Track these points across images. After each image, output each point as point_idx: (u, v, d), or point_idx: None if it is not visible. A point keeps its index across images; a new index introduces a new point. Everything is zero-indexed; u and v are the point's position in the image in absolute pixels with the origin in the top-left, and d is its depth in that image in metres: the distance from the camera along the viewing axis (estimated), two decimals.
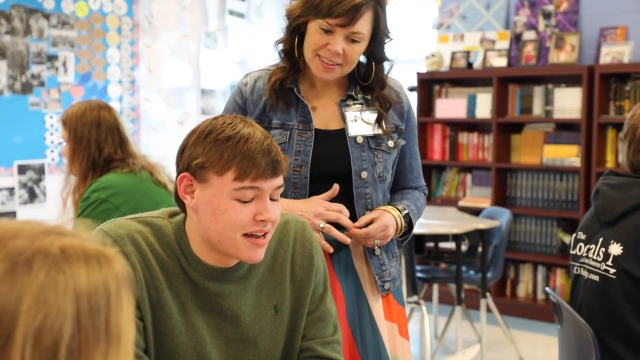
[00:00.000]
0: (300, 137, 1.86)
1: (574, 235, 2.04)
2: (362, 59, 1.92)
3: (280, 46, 1.90)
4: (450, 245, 4.62)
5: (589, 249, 1.95)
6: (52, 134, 4.76)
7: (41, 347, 0.60)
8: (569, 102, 4.94)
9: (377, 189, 1.89)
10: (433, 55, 5.46)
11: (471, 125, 5.45)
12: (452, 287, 4.56)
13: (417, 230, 3.84)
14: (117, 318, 0.65)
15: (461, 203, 5.26)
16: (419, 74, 5.49)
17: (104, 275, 0.65)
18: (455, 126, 5.46)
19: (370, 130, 1.89)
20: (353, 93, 1.91)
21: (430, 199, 5.49)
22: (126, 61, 5.19)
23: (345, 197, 1.85)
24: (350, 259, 1.91)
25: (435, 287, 4.69)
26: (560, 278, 5.05)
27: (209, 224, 1.32)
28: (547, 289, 2.21)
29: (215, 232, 1.32)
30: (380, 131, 1.90)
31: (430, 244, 4.51)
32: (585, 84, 4.79)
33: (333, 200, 1.84)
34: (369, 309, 1.91)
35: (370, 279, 1.92)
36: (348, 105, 1.90)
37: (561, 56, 5.05)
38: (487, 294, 4.09)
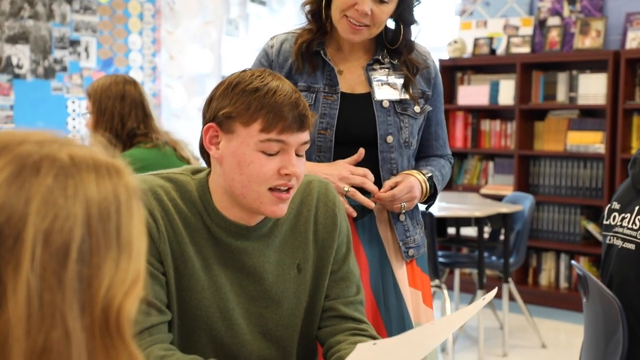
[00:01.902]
0: (326, 99, 1.84)
1: (608, 205, 2.01)
2: (390, 23, 1.90)
3: (307, 7, 1.88)
4: (472, 232, 4.59)
5: (623, 218, 1.92)
6: (74, 119, 4.78)
7: (52, 248, 0.59)
8: (593, 88, 4.88)
9: (402, 155, 1.88)
10: (455, 42, 5.42)
11: (493, 112, 5.40)
12: (474, 273, 4.53)
13: (438, 213, 3.82)
14: (128, 226, 0.64)
15: (483, 191, 5.22)
16: (441, 61, 5.45)
17: (114, 184, 0.65)
18: (477, 113, 5.41)
19: (396, 95, 1.87)
20: (380, 57, 1.89)
21: (452, 187, 5.45)
22: (148, 47, 5.20)
23: (371, 162, 1.84)
24: (375, 225, 1.89)
25: (457, 274, 4.66)
26: (583, 266, 4.99)
27: (233, 176, 1.31)
28: (573, 262, 2.18)
29: (239, 184, 1.31)
30: (406, 96, 1.88)
31: (452, 230, 4.48)
32: (611, 69, 4.73)
33: (357, 165, 1.82)
34: (393, 275, 1.89)
35: (395, 245, 1.90)
36: (374, 70, 1.89)
37: (586, 42, 4.99)
38: (509, 279, 4.05)
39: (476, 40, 5.43)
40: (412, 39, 1.91)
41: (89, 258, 0.61)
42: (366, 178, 1.79)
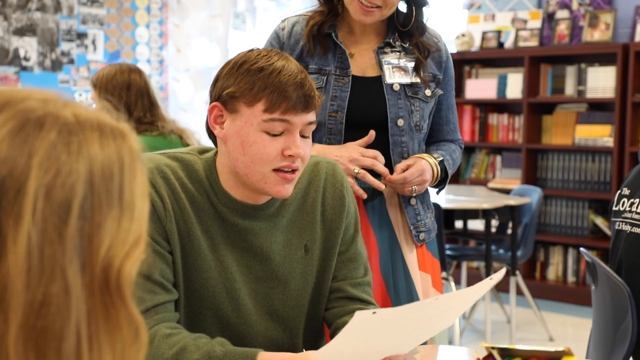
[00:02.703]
0: (337, 82, 1.84)
1: (618, 192, 1.99)
2: (402, 6, 1.90)
3: None
4: (479, 225, 4.57)
5: (632, 203, 1.90)
6: None
7: (53, 203, 0.59)
8: (602, 82, 4.85)
9: (413, 138, 1.87)
10: (463, 35, 5.40)
11: (501, 106, 5.38)
12: (481, 267, 4.51)
13: (446, 205, 3.80)
14: (131, 188, 0.64)
15: (491, 185, 5.20)
16: None
17: (118, 145, 0.64)
18: (485, 107, 5.39)
19: (407, 79, 1.87)
20: (391, 40, 1.89)
21: (459, 181, 5.43)
22: (155, 40, 5.20)
23: (382, 145, 1.83)
24: (385, 208, 1.88)
25: (464, 269, 4.65)
26: None
27: (237, 156, 1.31)
28: (581, 249, 2.16)
29: (242, 164, 1.30)
30: (417, 79, 1.87)
31: (460, 223, 4.47)
32: (620, 62, 4.70)
33: (368, 148, 1.82)
34: (403, 258, 1.89)
35: (405, 228, 1.89)
36: (385, 53, 1.88)
37: (595, 35, 4.96)
38: (517, 272, 4.04)
39: (484, 33, 5.41)
40: (424, 21, 1.90)
41: (90, 216, 0.61)
42: (376, 160, 1.78)
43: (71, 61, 4.74)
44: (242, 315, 1.37)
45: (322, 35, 1.86)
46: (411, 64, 1.88)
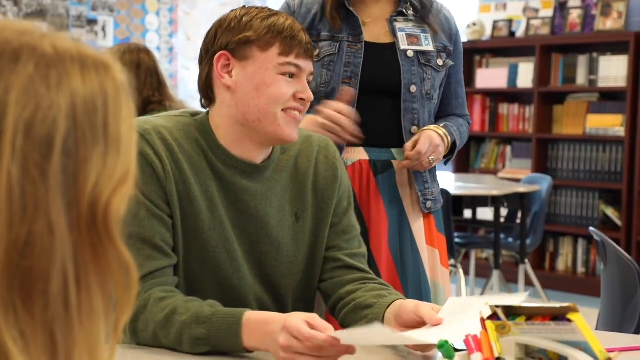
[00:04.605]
0: (349, 48, 1.85)
1: None
2: None
3: None
4: (488, 214, 4.55)
5: None
6: None
7: (34, 139, 0.57)
8: (614, 71, 4.82)
9: (424, 106, 1.88)
10: (474, 25, 5.37)
11: (512, 95, 5.35)
12: (490, 256, 4.49)
13: (455, 192, 3.78)
14: (117, 121, 0.61)
15: (500, 175, 5.17)
16: None
17: (101, 78, 0.61)
18: (495, 97, 5.36)
19: (420, 46, 1.89)
20: (404, 9, 1.91)
21: (469, 171, 5.41)
22: (165, 28, 5.20)
23: (394, 111, 1.85)
24: (395, 182, 1.89)
25: (473, 259, 4.63)
26: None
27: (249, 101, 1.32)
28: (591, 228, 2.15)
29: (255, 108, 1.32)
30: (430, 48, 1.89)
31: (469, 213, 4.45)
32: (632, 51, 4.66)
33: (380, 115, 1.85)
34: (411, 232, 1.89)
35: (413, 197, 1.90)
36: (398, 21, 1.90)
37: (607, 23, 4.92)
38: (526, 260, 4.02)
39: (495, 22, 5.38)
40: None
41: (74, 151, 0.59)
42: (341, 115, 1.74)
43: None
44: (242, 277, 1.37)
45: (335, 4, 1.87)
46: (424, 33, 1.90)
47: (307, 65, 1.35)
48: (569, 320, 0.88)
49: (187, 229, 1.33)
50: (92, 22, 4.79)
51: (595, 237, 2.05)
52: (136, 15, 5.04)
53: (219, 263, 1.35)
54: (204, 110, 1.41)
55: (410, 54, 1.86)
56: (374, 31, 1.89)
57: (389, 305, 1.31)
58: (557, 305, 0.90)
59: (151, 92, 2.59)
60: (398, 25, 1.89)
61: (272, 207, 1.39)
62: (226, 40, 1.32)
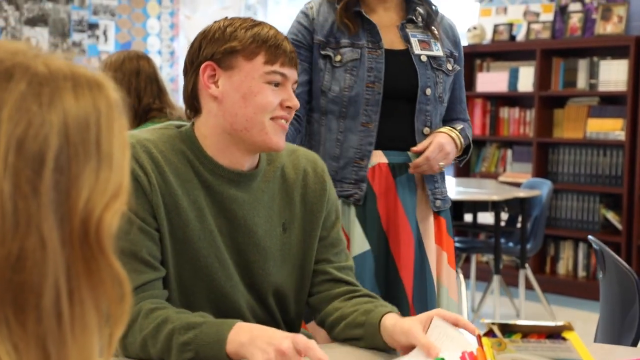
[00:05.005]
0: (370, 54, 1.93)
1: None
2: None
3: None
4: (488, 219, 4.56)
5: None
6: None
7: (26, 155, 0.58)
8: (614, 75, 4.82)
9: (436, 108, 1.96)
10: (475, 28, 5.38)
11: (512, 99, 5.35)
12: (490, 260, 4.49)
13: (455, 197, 3.79)
14: (109, 138, 0.62)
15: (501, 178, 5.17)
16: None
17: (94, 95, 0.62)
18: (496, 100, 5.37)
19: (432, 51, 1.97)
20: (413, 17, 1.99)
21: (469, 175, 5.41)
22: (166, 32, 5.21)
23: (409, 115, 1.93)
24: (413, 181, 1.96)
25: (473, 262, 4.63)
26: None
27: (236, 111, 1.34)
28: (589, 237, 2.15)
29: (243, 117, 1.34)
30: (440, 53, 1.97)
31: (469, 217, 4.45)
32: (633, 55, 4.66)
33: (396, 119, 1.92)
34: (419, 230, 1.96)
35: (424, 197, 1.97)
36: (409, 28, 1.98)
37: (608, 27, 4.92)
38: (526, 265, 4.02)
39: (496, 26, 5.38)
40: None
41: (67, 168, 0.59)
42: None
43: (82, 52, 4.75)
44: (234, 285, 1.37)
45: (350, 13, 1.94)
46: (433, 39, 1.98)
47: (292, 74, 1.37)
48: (564, 339, 0.89)
49: (177, 240, 1.33)
50: (93, 26, 4.80)
51: (594, 246, 2.05)
52: (137, 19, 5.04)
53: (211, 272, 1.35)
54: (188, 123, 1.42)
55: (423, 58, 1.94)
56: (388, 38, 1.96)
57: (380, 320, 1.31)
58: (553, 323, 0.91)
59: (151, 99, 2.59)
60: (409, 31, 1.97)
61: (259, 217, 1.40)
62: (211, 51, 1.33)
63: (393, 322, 1.29)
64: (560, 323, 0.91)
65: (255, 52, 1.33)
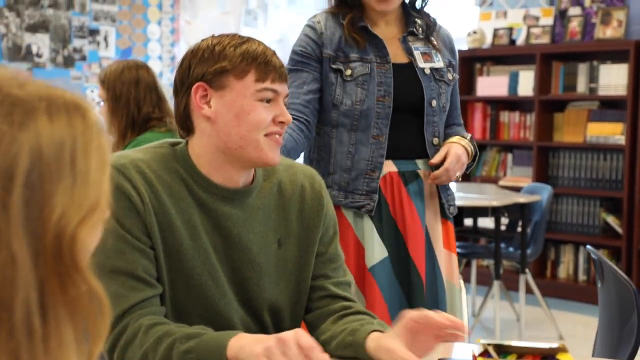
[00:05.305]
0: (379, 69, 1.97)
1: None
2: None
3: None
4: (489, 224, 4.56)
5: None
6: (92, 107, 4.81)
7: None
8: (614, 79, 4.82)
9: (442, 119, 2.03)
10: (475, 33, 5.38)
11: (513, 103, 5.36)
12: (491, 265, 4.50)
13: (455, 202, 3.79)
14: (85, 157, 0.63)
15: (501, 183, 5.18)
16: (460, 52, 5.39)
17: (70, 117, 0.63)
18: (496, 104, 5.37)
19: (434, 63, 2.01)
20: (414, 29, 2.03)
21: (470, 179, 5.42)
22: (166, 37, 5.22)
23: (416, 125, 1.99)
24: (423, 188, 2.01)
25: (474, 267, 4.63)
26: None
27: (230, 130, 1.34)
28: (588, 247, 2.16)
29: (237, 136, 1.34)
30: (441, 64, 2.02)
31: (469, 221, 4.46)
32: (632, 60, 4.67)
33: (404, 130, 1.97)
34: (429, 235, 2.01)
35: (435, 204, 2.03)
36: (410, 41, 2.03)
37: (607, 32, 4.93)
38: (527, 270, 4.02)
39: (496, 30, 5.39)
40: None
41: (38, 185, 0.60)
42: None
43: (83, 58, 4.77)
44: (228, 302, 1.38)
45: (357, 28, 1.98)
46: (433, 51, 2.03)
47: (283, 89, 1.37)
48: None
49: (171, 258, 1.33)
50: (94, 32, 4.81)
51: (593, 255, 2.06)
52: (138, 25, 5.05)
53: (204, 290, 1.36)
54: (183, 140, 1.42)
55: (427, 71, 1.99)
56: (392, 51, 2.00)
57: (365, 339, 1.31)
58: (547, 345, 0.92)
59: (151, 108, 2.59)
60: (412, 44, 2.01)
61: (254, 233, 1.40)
62: (202, 71, 1.33)
63: (376, 343, 1.29)
64: (555, 345, 0.92)
65: (245, 70, 1.33)
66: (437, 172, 1.95)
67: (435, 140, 2.01)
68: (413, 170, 2.00)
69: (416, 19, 2.03)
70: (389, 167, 1.99)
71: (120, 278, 1.27)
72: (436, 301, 2.01)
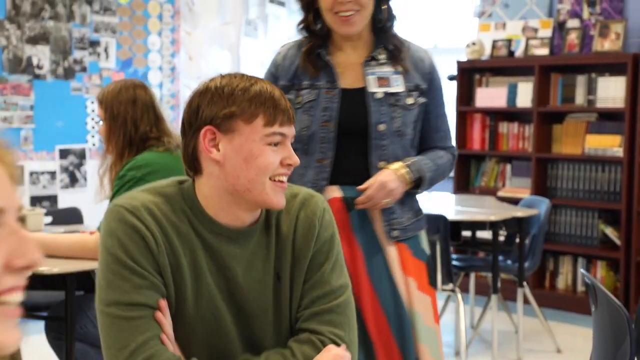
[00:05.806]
0: (326, 95, 2.02)
1: None
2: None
3: (300, 26, 2.09)
4: (488, 235, 4.58)
5: None
6: (93, 119, 4.83)
7: None
8: (612, 91, 4.84)
9: (394, 142, 2.03)
10: (474, 44, 5.40)
11: (511, 114, 5.37)
12: (489, 277, 4.51)
13: (453, 217, 3.81)
14: None
15: (500, 193, 5.19)
16: (459, 63, 5.43)
17: None
18: (495, 116, 5.39)
19: (388, 88, 2.03)
20: (375, 54, 2.06)
21: (469, 189, 5.43)
22: (167, 48, 5.24)
23: (364, 149, 2.02)
24: (366, 214, 2.04)
25: (472, 278, 4.64)
26: (600, 270, 4.95)
27: (238, 173, 1.34)
28: (582, 270, 2.17)
29: (245, 179, 1.35)
30: (399, 89, 2.03)
31: (468, 233, 4.47)
32: (630, 72, 4.69)
33: (351, 155, 2.00)
34: (384, 260, 2.03)
35: (380, 227, 2.04)
36: (370, 65, 2.05)
37: (605, 44, 4.94)
38: (525, 283, 4.03)
39: (495, 42, 5.40)
40: (392, 11, 2.08)
41: None
42: None
43: (84, 69, 4.78)
44: (230, 341, 1.40)
45: (314, 57, 2.05)
46: (394, 75, 2.05)
47: (290, 131, 1.39)
48: None
49: (179, 299, 1.36)
50: (94, 43, 4.83)
51: (586, 280, 2.08)
52: (138, 36, 5.07)
53: (207, 329, 1.38)
54: (189, 179, 1.43)
55: (379, 95, 2.02)
56: (350, 77, 2.05)
57: None
58: None
59: (148, 127, 2.60)
60: (369, 69, 2.04)
61: (257, 271, 1.41)
62: (210, 115, 1.34)
63: None
64: None
65: (254, 114, 1.34)
66: (360, 199, 1.98)
67: (382, 164, 2.02)
68: (356, 196, 2.01)
69: (385, 43, 2.05)
70: (335, 192, 2.03)
71: (141, 311, 1.31)
72: (402, 330, 2.02)
